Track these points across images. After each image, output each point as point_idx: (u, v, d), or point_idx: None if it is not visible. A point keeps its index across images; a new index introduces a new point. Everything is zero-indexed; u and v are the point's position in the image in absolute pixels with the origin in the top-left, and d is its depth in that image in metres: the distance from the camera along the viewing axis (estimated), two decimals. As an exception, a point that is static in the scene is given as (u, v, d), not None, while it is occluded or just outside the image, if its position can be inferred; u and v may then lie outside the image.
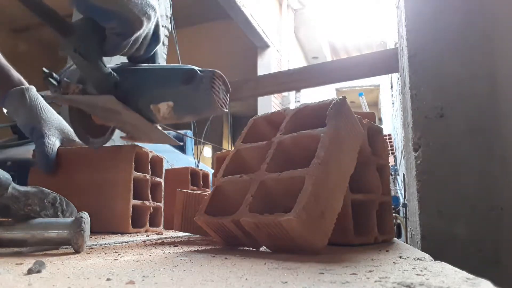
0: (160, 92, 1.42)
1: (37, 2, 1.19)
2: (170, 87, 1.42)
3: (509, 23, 1.91)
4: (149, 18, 1.32)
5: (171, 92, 1.43)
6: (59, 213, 1.06)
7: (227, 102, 1.50)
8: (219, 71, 1.47)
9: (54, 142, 1.68)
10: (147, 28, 1.35)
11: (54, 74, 1.38)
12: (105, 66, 1.37)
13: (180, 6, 4.10)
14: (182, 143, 2.07)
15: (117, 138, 1.89)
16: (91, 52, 1.30)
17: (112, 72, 1.39)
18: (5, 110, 1.69)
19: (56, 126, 1.69)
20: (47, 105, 1.72)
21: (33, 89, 1.71)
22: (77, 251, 0.94)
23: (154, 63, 1.56)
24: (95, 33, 1.29)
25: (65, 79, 1.42)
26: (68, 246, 0.96)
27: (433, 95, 1.95)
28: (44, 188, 1.03)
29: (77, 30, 1.27)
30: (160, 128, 1.64)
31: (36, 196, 1.00)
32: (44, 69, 1.41)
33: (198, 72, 1.43)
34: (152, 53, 1.53)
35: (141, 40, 1.38)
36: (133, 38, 1.32)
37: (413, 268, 0.64)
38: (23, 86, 1.64)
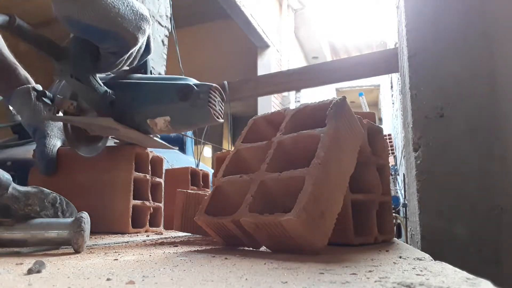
0: (156, 108, 1.42)
1: (28, 30, 1.17)
2: (167, 103, 1.42)
3: (509, 23, 1.91)
4: (143, 32, 1.32)
5: (168, 108, 1.42)
6: (59, 213, 1.06)
7: (222, 112, 1.53)
8: (215, 85, 1.48)
9: (55, 143, 1.68)
10: (141, 42, 1.35)
11: (47, 93, 1.37)
12: (101, 85, 1.36)
13: (180, 6, 4.10)
14: (177, 148, 2.11)
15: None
16: (85, 75, 1.28)
17: (108, 91, 1.38)
18: (11, 108, 1.69)
19: (59, 126, 1.69)
20: None
21: (39, 88, 1.71)
22: (77, 251, 0.94)
23: (146, 71, 1.56)
24: (89, 54, 1.27)
25: (58, 95, 1.41)
26: (68, 246, 0.96)
27: (433, 95, 1.95)
28: (44, 188, 1.03)
29: (70, 53, 1.25)
30: (156, 137, 1.66)
31: (36, 196, 1.00)
32: (35, 87, 1.41)
33: (195, 88, 1.43)
34: (144, 64, 1.52)
35: (134, 54, 1.37)
36: (127, 55, 1.32)
37: (413, 268, 0.64)
38: (29, 85, 1.64)
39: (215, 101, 1.45)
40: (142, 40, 1.34)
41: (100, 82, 1.36)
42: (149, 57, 1.55)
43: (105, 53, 1.29)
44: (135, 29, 1.27)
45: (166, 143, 1.74)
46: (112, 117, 1.36)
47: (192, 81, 1.48)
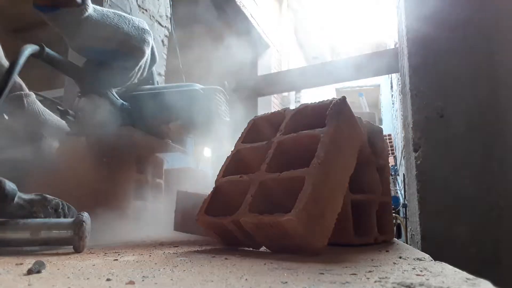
0: (169, 115, 1.59)
1: (55, 57, 1.39)
2: (178, 110, 1.58)
3: (509, 22, 1.91)
4: (148, 43, 1.47)
5: (179, 114, 1.59)
6: (61, 218, 1.07)
7: (228, 111, 1.67)
8: (219, 87, 1.63)
9: (51, 144, 1.71)
10: (148, 54, 1.50)
11: (69, 111, 1.48)
12: (117, 99, 1.51)
13: (179, 6, 4.11)
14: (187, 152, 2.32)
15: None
16: (102, 91, 1.47)
17: (124, 103, 1.54)
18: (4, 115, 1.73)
19: (55, 126, 1.72)
20: (45, 108, 1.76)
21: (31, 95, 1.75)
22: (77, 251, 0.94)
23: (153, 81, 1.73)
24: (103, 72, 1.44)
25: (79, 113, 1.52)
26: (68, 246, 0.96)
27: (433, 95, 1.95)
28: (47, 195, 1.04)
29: (87, 74, 1.43)
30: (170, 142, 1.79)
31: (40, 203, 1.02)
32: (58, 107, 1.51)
33: (201, 91, 1.60)
34: (150, 73, 1.69)
35: (143, 65, 1.52)
36: (138, 67, 1.47)
37: (413, 269, 0.64)
38: (22, 92, 1.68)
39: (221, 102, 1.58)
40: (148, 52, 1.48)
41: (116, 96, 1.51)
42: (154, 68, 1.69)
43: (118, 68, 1.44)
44: (140, 43, 1.42)
45: (180, 147, 1.86)
46: (130, 125, 1.52)
47: (197, 86, 1.63)
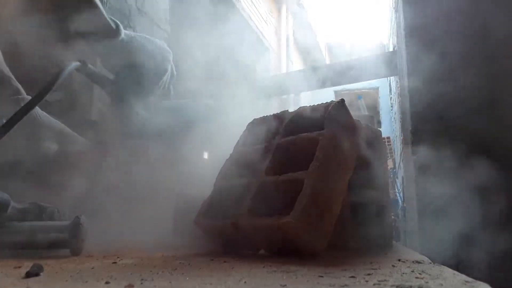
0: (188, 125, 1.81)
1: (94, 72, 1.65)
2: (194, 125, 1.79)
3: (506, 23, 1.92)
4: (169, 61, 1.75)
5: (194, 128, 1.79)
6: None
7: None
8: (216, 102, 1.93)
9: (49, 146, 1.72)
10: (169, 70, 1.76)
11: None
12: (138, 111, 1.70)
13: (179, 9, 4.11)
14: None
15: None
16: (128, 100, 1.67)
17: (139, 112, 1.72)
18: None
19: (54, 129, 1.73)
20: (43, 112, 1.76)
21: (28, 99, 1.76)
22: (75, 254, 0.93)
23: (168, 96, 1.96)
24: (131, 85, 1.67)
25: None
26: (66, 249, 0.96)
27: (432, 98, 1.96)
28: (41, 203, 1.05)
29: (118, 86, 1.67)
30: None
31: (32, 213, 1.03)
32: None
33: (212, 106, 1.93)
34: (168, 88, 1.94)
35: (166, 79, 1.77)
36: (161, 81, 1.72)
37: (412, 271, 0.64)
38: (19, 96, 1.68)
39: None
40: (169, 68, 1.75)
41: (139, 108, 1.71)
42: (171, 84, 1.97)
43: (144, 83, 1.68)
44: (164, 60, 1.71)
45: None
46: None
47: (207, 100, 2.00)
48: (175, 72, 1.92)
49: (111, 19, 1.63)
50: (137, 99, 1.71)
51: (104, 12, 1.60)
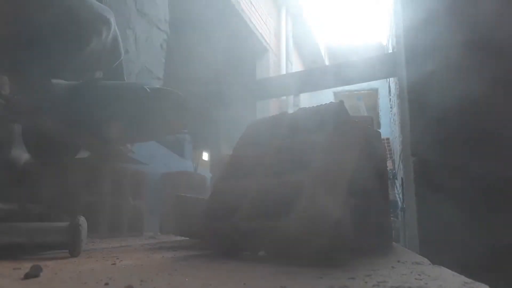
0: (107, 114, 1.38)
1: None
2: (118, 109, 1.39)
3: (505, 26, 1.92)
4: (99, 34, 1.34)
5: (119, 114, 1.40)
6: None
7: (185, 122, 1.48)
8: (175, 91, 1.44)
9: (18, 155, 1.57)
10: (99, 43, 1.37)
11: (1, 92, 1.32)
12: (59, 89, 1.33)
13: (179, 10, 4.11)
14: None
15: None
16: (39, 77, 1.27)
17: (58, 91, 1.33)
18: None
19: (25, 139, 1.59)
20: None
21: None
22: (73, 255, 0.93)
23: (121, 75, 1.59)
24: (41, 51, 1.24)
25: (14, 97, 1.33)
26: (65, 250, 0.95)
27: (431, 100, 1.96)
28: (29, 204, 1.02)
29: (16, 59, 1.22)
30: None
31: (19, 213, 1.00)
32: None
33: (148, 91, 1.41)
34: (117, 68, 1.56)
35: (95, 56, 1.38)
36: (88, 50, 1.32)
37: (411, 272, 0.64)
38: None
39: (172, 107, 1.43)
40: (100, 40, 1.35)
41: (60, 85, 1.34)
42: (123, 64, 1.57)
43: (61, 49, 1.26)
44: (94, 22, 1.29)
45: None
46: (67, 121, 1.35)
47: (150, 84, 1.47)
48: (121, 50, 1.51)
49: None
50: (50, 73, 1.30)
51: None
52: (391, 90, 8.84)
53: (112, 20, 1.42)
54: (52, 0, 1.20)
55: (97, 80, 1.52)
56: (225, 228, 1.01)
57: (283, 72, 7.12)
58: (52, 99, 1.33)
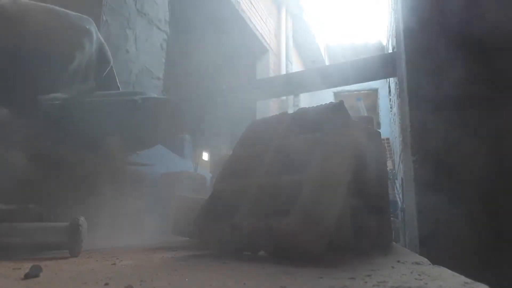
0: (104, 129, 1.39)
1: None
2: (114, 123, 1.40)
3: (506, 29, 1.92)
4: (82, 47, 1.32)
5: (116, 128, 1.41)
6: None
7: (183, 128, 1.46)
8: (170, 99, 1.42)
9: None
10: (84, 56, 1.35)
11: None
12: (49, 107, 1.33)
13: (179, 10, 4.11)
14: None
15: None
16: (26, 99, 1.28)
17: (46, 108, 1.34)
18: None
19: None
20: None
21: None
22: (73, 255, 0.93)
23: (114, 84, 1.58)
24: (22, 73, 1.25)
25: None
26: (65, 250, 0.95)
27: (431, 100, 1.96)
28: (29, 205, 1.02)
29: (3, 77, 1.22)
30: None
31: (19, 213, 1.00)
32: None
33: (140, 102, 1.40)
34: (109, 74, 1.55)
35: (83, 68, 1.36)
36: (71, 69, 1.31)
37: (411, 272, 0.64)
38: None
39: (168, 116, 1.42)
40: (84, 52, 1.33)
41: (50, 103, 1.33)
42: (114, 71, 1.55)
43: (44, 67, 1.25)
44: (73, 39, 1.27)
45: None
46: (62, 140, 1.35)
47: (144, 95, 1.46)
48: (109, 57, 1.48)
49: None
50: (37, 93, 1.30)
51: None
52: (391, 90, 8.84)
53: (93, 29, 1.38)
54: (29, 25, 1.19)
55: (85, 95, 1.48)
56: (225, 228, 1.01)
57: (283, 72, 7.12)
58: (42, 118, 1.33)
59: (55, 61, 1.25)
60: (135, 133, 1.46)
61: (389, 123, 10.31)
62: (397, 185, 7.98)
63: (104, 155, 1.48)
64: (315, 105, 1.14)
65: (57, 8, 1.29)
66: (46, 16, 1.22)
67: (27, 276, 0.61)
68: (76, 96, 1.45)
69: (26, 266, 0.69)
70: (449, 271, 0.65)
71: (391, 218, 1.88)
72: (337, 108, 1.04)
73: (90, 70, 1.41)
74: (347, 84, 4.69)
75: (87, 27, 1.34)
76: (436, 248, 1.79)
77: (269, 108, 6.41)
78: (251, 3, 5.95)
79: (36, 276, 0.62)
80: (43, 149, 1.35)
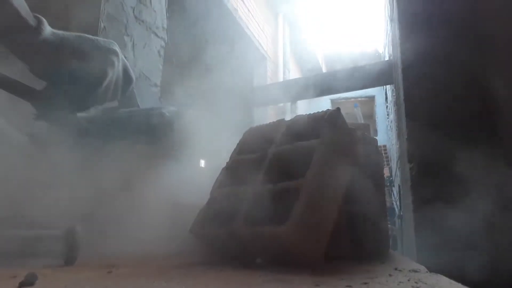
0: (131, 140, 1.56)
1: (10, 81, 1.35)
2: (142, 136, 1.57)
3: (501, 38, 1.94)
4: (112, 64, 1.53)
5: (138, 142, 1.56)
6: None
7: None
8: (184, 107, 1.58)
9: None
10: (114, 74, 1.55)
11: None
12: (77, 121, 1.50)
13: (177, 17, 4.14)
14: None
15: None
16: (63, 114, 1.45)
17: (82, 124, 1.51)
18: None
19: None
20: None
21: None
22: (68, 264, 0.93)
23: (132, 102, 1.75)
24: (65, 95, 1.44)
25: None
26: (61, 258, 0.95)
27: (427, 107, 1.97)
28: (21, 214, 1.03)
29: (46, 98, 1.41)
30: None
31: (10, 222, 1.00)
32: None
33: (166, 114, 1.61)
34: (130, 93, 1.74)
35: (112, 85, 1.55)
36: (104, 86, 1.50)
37: (408, 280, 0.64)
38: None
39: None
40: (114, 71, 1.53)
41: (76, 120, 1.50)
42: (134, 89, 1.73)
43: (81, 91, 1.45)
44: (104, 62, 1.48)
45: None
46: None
47: (167, 109, 1.65)
48: (132, 76, 1.69)
49: (34, 15, 1.38)
50: (73, 111, 1.49)
51: (20, 6, 1.33)
52: (388, 97, 8.88)
53: (118, 50, 1.59)
54: (67, 50, 1.43)
55: (114, 110, 1.67)
56: (221, 235, 1.01)
57: (281, 79, 7.14)
58: (78, 132, 1.50)
59: (91, 77, 1.46)
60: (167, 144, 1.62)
61: (386, 130, 10.34)
62: (395, 192, 7.98)
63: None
64: (312, 112, 1.14)
65: (86, 34, 1.53)
66: (80, 40, 1.47)
67: (22, 284, 0.60)
68: (105, 112, 1.63)
69: (22, 274, 0.69)
70: (446, 279, 0.65)
71: (389, 225, 1.88)
72: (334, 115, 1.04)
73: (118, 87, 1.60)
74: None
75: (115, 48, 1.54)
76: (434, 256, 1.79)
77: (266, 115, 6.43)
78: (248, 10, 5.99)
79: (32, 284, 0.61)
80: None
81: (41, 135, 1.49)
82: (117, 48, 1.56)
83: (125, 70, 1.65)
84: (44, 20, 1.41)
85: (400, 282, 0.62)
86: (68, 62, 1.40)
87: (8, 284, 0.61)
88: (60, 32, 1.45)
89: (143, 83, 2.77)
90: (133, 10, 2.90)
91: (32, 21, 1.36)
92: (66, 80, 1.42)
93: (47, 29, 1.39)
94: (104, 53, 1.49)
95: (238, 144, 1.30)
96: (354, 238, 1.18)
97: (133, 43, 2.78)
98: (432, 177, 1.88)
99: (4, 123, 1.55)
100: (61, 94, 1.42)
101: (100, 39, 1.53)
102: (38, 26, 1.36)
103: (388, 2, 3.57)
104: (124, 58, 1.64)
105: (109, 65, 1.50)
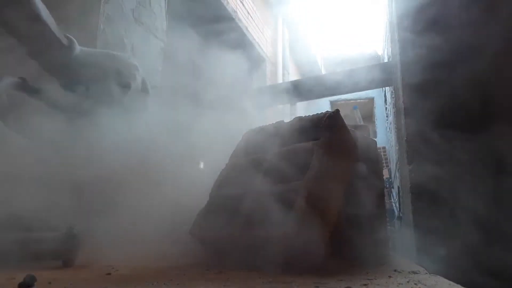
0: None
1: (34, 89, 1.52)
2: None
3: (502, 39, 1.94)
4: (134, 77, 1.76)
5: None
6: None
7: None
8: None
9: None
10: (135, 84, 1.78)
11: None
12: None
13: (176, 19, 4.15)
14: None
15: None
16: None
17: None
18: None
19: None
20: None
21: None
22: (67, 266, 0.92)
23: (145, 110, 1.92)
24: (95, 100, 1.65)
25: None
26: (60, 260, 0.94)
27: (426, 108, 1.97)
28: (19, 213, 1.04)
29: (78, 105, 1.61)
30: None
31: (8, 222, 1.00)
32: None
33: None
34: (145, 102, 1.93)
35: (134, 94, 1.74)
36: (129, 94, 1.72)
37: (408, 282, 0.64)
38: None
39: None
40: (134, 84, 1.75)
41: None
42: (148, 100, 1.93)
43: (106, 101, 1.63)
44: (127, 76, 1.70)
45: None
46: None
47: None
48: (149, 88, 1.91)
49: (65, 35, 1.55)
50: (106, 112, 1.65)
51: (54, 29, 1.50)
52: (387, 99, 8.89)
53: (137, 64, 1.82)
54: (99, 63, 1.65)
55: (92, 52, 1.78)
56: (221, 237, 1.01)
57: (280, 81, 7.14)
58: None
59: (118, 89, 1.65)
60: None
61: (385, 132, 10.34)
62: (394, 194, 7.97)
63: None
64: (311, 114, 1.14)
65: (111, 51, 1.79)
66: (106, 57, 1.68)
67: (21, 286, 0.60)
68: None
69: (21, 276, 0.69)
70: (446, 280, 0.65)
71: (388, 227, 1.88)
72: (333, 117, 1.04)
73: (137, 98, 1.77)
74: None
75: (135, 63, 1.78)
76: (433, 257, 1.78)
77: (266, 116, 6.43)
78: (248, 12, 6.00)
79: (30, 285, 0.61)
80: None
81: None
82: (136, 63, 1.80)
83: (143, 83, 1.85)
84: (74, 39, 1.59)
85: (399, 283, 0.62)
86: (93, 75, 1.59)
87: (6, 286, 0.61)
88: (88, 49, 1.65)
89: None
90: (133, 12, 2.90)
91: (64, 41, 1.53)
92: (93, 93, 1.60)
93: (77, 48, 1.57)
94: (128, 67, 1.70)
95: (237, 145, 1.30)
96: (354, 240, 1.18)
97: (132, 45, 2.78)
98: (431, 179, 1.88)
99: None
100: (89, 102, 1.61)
101: (121, 54, 1.76)
102: (70, 45, 1.53)
103: (387, 4, 3.57)
104: (141, 72, 1.85)
105: (131, 78, 1.71)
